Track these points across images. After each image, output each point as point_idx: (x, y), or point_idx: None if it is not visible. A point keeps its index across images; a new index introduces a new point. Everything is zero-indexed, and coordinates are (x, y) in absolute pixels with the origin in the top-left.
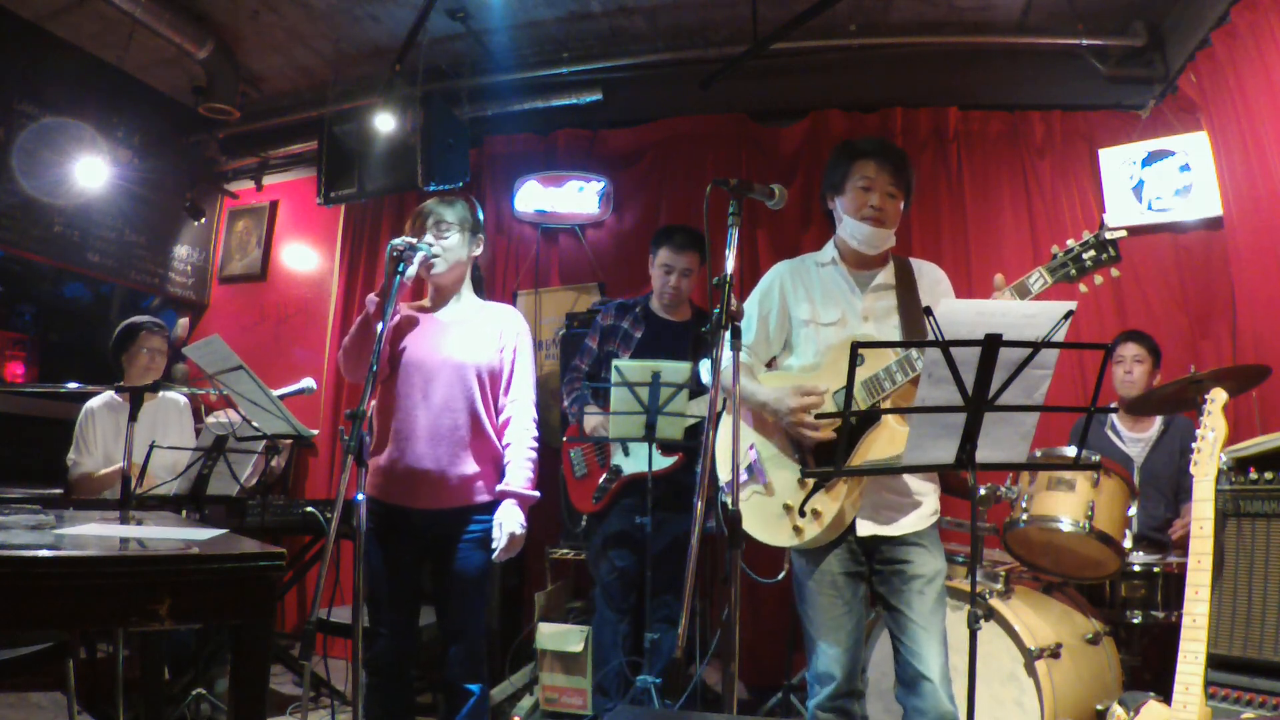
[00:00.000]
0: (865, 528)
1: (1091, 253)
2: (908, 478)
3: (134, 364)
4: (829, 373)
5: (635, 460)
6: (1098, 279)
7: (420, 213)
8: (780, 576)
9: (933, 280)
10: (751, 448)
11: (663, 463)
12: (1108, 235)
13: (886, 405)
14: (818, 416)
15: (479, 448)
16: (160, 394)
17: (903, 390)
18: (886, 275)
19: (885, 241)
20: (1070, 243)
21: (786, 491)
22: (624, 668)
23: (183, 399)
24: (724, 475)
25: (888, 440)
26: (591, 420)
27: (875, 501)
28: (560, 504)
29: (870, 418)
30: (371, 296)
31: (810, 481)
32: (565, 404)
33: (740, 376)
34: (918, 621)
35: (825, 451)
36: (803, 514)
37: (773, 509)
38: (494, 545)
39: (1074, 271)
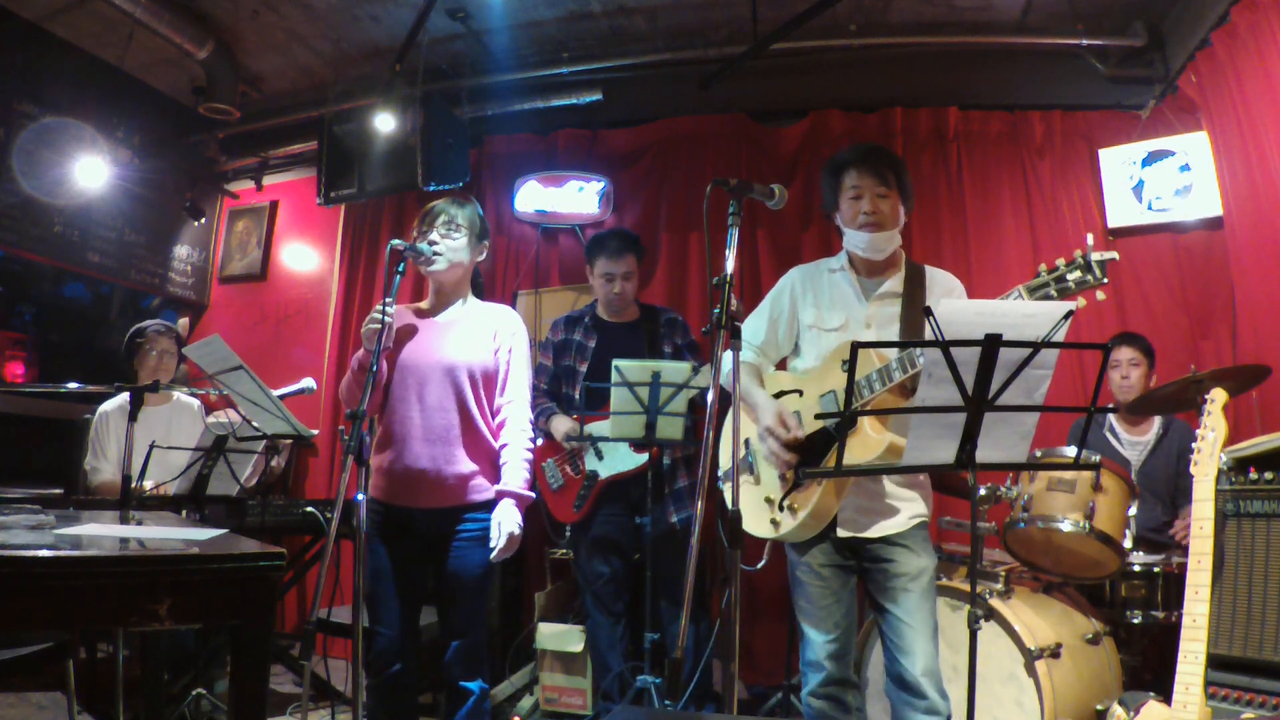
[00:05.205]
0: (843, 531)
1: (1076, 274)
2: (887, 484)
3: (144, 366)
4: (823, 376)
5: (610, 462)
6: (1080, 301)
7: (430, 211)
8: (759, 566)
9: (944, 290)
10: (746, 441)
11: (638, 460)
12: (1095, 256)
13: (865, 412)
14: (816, 416)
15: (474, 447)
16: (174, 398)
17: (880, 398)
18: (895, 283)
19: (889, 243)
20: (1059, 262)
21: (770, 485)
22: (626, 674)
23: (196, 402)
24: (724, 465)
25: (861, 446)
26: (562, 426)
27: (853, 505)
28: (544, 517)
29: (846, 424)
30: (359, 354)
31: (790, 477)
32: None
33: (747, 374)
34: (903, 618)
35: (800, 453)
36: (781, 508)
37: (757, 501)
38: (492, 544)
39: (1054, 292)
